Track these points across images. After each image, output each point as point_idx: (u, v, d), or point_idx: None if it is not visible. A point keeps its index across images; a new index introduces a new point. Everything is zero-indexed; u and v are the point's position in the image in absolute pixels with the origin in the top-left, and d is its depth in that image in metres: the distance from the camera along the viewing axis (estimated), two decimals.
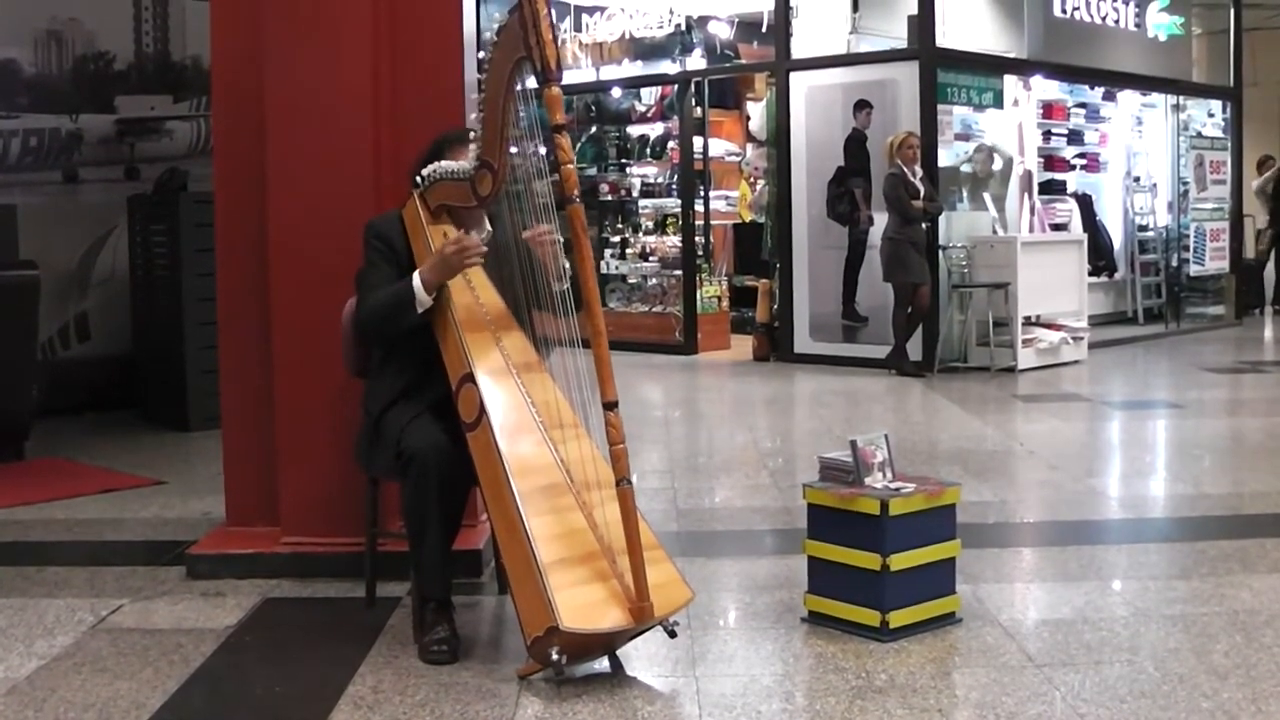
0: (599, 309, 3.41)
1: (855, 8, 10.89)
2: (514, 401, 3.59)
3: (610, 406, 3.33)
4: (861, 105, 10.05)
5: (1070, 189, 12.41)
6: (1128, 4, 12.24)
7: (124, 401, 7.99)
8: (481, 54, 3.59)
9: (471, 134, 3.61)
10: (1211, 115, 13.63)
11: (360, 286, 3.79)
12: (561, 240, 3.63)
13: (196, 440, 7.00)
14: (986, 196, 10.45)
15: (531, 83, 3.42)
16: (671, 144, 11.76)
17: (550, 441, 3.55)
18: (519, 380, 3.63)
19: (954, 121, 10.28)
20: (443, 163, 3.70)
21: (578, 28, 12.44)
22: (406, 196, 3.84)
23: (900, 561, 3.63)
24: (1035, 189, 11.60)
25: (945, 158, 10.06)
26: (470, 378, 3.54)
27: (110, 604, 4.12)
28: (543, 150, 3.59)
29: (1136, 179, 12.97)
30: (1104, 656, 3.52)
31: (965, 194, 10.47)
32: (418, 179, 3.75)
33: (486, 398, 3.51)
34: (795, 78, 10.36)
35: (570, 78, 12.38)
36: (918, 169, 9.25)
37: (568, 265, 3.67)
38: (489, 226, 3.89)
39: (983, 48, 10.93)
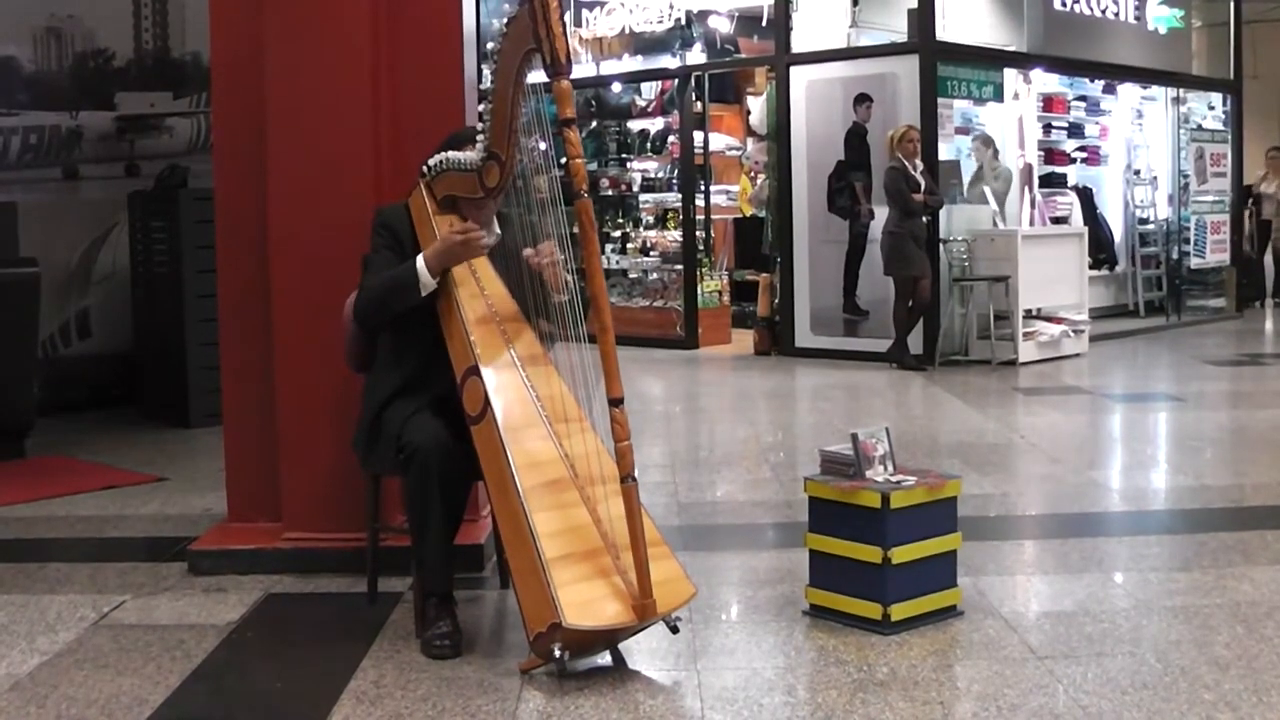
0: (606, 305, 3.37)
1: (855, 2, 10.88)
2: (519, 395, 3.57)
3: (616, 403, 3.32)
4: (862, 99, 10.05)
5: (1071, 182, 12.40)
6: None
7: (125, 398, 8.00)
8: (490, 44, 3.55)
9: (480, 129, 3.59)
10: (1212, 108, 13.63)
11: (363, 272, 3.81)
12: (569, 242, 3.60)
13: (197, 436, 7.00)
14: (987, 190, 10.44)
15: (541, 75, 3.38)
16: (672, 139, 11.75)
17: (555, 435, 3.53)
18: (524, 373, 3.62)
19: (954, 115, 10.28)
20: (450, 153, 3.69)
21: (578, 22, 12.42)
22: (413, 186, 3.82)
23: (902, 554, 3.63)
24: (1036, 182, 11.60)
25: (945, 151, 10.06)
26: (475, 370, 3.53)
27: (112, 600, 4.12)
28: (542, 146, 3.58)
29: (1137, 172, 12.98)
30: (1106, 648, 3.52)
31: (965, 187, 10.47)
32: (424, 168, 3.73)
33: (491, 391, 3.50)
34: (795, 72, 10.36)
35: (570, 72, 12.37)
36: (918, 162, 9.24)
37: (570, 279, 3.65)
38: (498, 230, 3.88)
39: (982, 41, 10.93)
